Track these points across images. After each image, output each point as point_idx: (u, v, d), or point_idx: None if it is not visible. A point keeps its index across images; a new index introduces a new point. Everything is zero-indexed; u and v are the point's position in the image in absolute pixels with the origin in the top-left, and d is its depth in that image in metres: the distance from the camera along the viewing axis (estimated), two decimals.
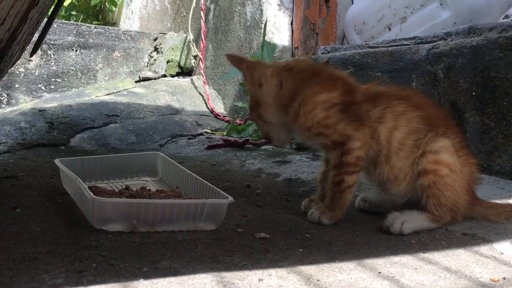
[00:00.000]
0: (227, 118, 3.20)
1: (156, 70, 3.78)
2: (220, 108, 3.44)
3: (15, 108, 3.08)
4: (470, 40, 1.83)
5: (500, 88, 1.71)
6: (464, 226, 1.30)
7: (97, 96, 3.27)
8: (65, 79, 3.41)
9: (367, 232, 1.23)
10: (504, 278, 0.96)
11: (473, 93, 1.79)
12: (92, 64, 3.54)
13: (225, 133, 2.83)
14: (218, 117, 3.23)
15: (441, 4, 2.56)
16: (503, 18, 2.61)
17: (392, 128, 1.26)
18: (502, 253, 1.11)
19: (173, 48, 3.80)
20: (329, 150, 1.29)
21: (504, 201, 1.46)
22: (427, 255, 1.08)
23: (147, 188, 1.39)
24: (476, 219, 1.35)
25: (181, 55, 3.82)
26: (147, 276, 0.86)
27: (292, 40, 3.11)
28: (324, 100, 1.27)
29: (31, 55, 2.20)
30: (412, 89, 1.93)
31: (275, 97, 1.33)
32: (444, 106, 1.88)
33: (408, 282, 0.91)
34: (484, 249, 1.14)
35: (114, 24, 5.28)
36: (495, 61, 1.72)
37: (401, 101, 1.29)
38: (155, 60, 3.82)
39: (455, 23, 2.45)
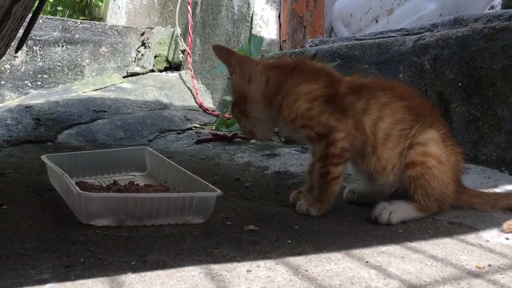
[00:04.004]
0: (216, 113, 3.19)
1: (144, 65, 3.76)
2: (209, 102, 3.44)
3: (1, 105, 3.05)
4: (456, 31, 1.84)
5: (485, 78, 1.72)
6: (451, 215, 1.31)
7: (84, 92, 3.25)
8: (52, 75, 3.38)
9: (355, 222, 1.24)
10: (489, 265, 0.97)
11: (459, 84, 1.81)
12: (79, 59, 3.51)
13: (214, 128, 2.83)
14: (207, 111, 3.22)
15: None
16: (488, 9, 2.63)
17: (376, 119, 1.27)
18: (487, 241, 1.13)
19: (160, 43, 3.78)
20: (314, 142, 1.30)
21: (490, 190, 1.48)
22: (414, 244, 1.09)
23: (135, 182, 1.38)
24: (463, 208, 1.36)
25: (169, 50, 3.80)
26: (135, 269, 0.86)
27: (280, 33, 3.11)
28: (306, 91, 1.27)
29: (17, 51, 2.17)
30: (396, 80, 1.94)
31: (263, 93, 1.32)
32: (430, 97, 1.90)
33: (395, 271, 0.92)
34: (470, 237, 1.15)
35: (101, 19, 5.24)
36: (481, 52, 1.73)
37: (385, 92, 1.29)
38: (142, 55, 3.80)
39: (441, 14, 2.47)
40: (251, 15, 2.97)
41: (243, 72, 1.34)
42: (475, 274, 0.92)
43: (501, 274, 0.92)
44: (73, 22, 3.54)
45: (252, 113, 1.35)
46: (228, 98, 3.03)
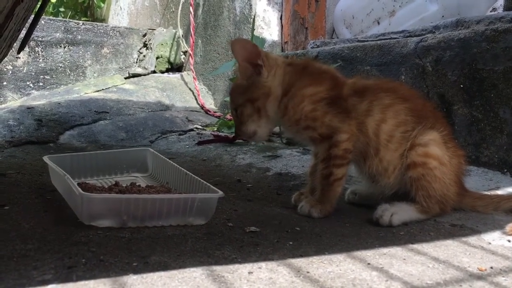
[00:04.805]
0: (217, 114, 3.19)
1: (146, 66, 3.76)
2: (210, 103, 3.44)
3: (3, 106, 3.05)
4: (458, 33, 1.84)
5: (487, 80, 1.72)
6: (452, 217, 1.31)
7: (86, 93, 3.25)
8: (54, 76, 3.39)
9: (356, 224, 1.24)
10: (491, 267, 0.97)
11: (461, 86, 1.80)
12: (81, 60, 3.51)
13: (215, 129, 2.83)
14: (208, 112, 3.22)
15: None
16: (490, 11, 2.63)
17: (379, 120, 1.27)
18: (489, 243, 1.13)
19: (162, 44, 3.79)
20: (317, 144, 1.30)
21: (492, 192, 1.48)
22: (416, 246, 1.09)
23: (137, 184, 1.38)
24: (465, 210, 1.36)
25: (170, 51, 3.81)
26: (137, 271, 0.86)
27: (281, 34, 3.11)
28: (311, 93, 1.28)
29: (19, 52, 2.18)
30: (399, 82, 1.94)
31: (282, 87, 1.32)
32: (432, 99, 1.89)
33: (396, 273, 0.92)
34: (472, 239, 1.15)
35: (103, 20, 5.25)
36: (482, 54, 1.73)
37: (388, 94, 1.30)
38: (144, 56, 3.80)
39: (443, 16, 2.47)
40: (253, 17, 2.97)
41: (270, 66, 1.32)
42: (477, 276, 0.92)
43: (503, 277, 0.92)
44: (75, 23, 3.54)
45: (269, 111, 1.32)
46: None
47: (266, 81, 1.31)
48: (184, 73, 3.76)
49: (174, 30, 3.86)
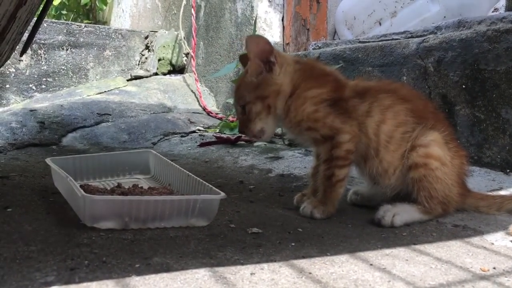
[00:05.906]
0: (219, 116, 3.19)
1: (148, 68, 3.77)
2: (212, 105, 3.44)
3: (6, 108, 3.06)
4: (460, 33, 1.84)
5: (489, 80, 1.72)
6: (455, 217, 1.31)
7: (88, 95, 3.26)
8: (56, 78, 3.40)
9: (359, 225, 1.24)
10: (494, 268, 0.97)
11: (463, 86, 1.80)
12: (83, 63, 3.52)
13: (217, 130, 2.83)
14: (210, 114, 3.23)
15: None
16: (492, 11, 2.63)
17: (379, 121, 1.27)
18: (492, 244, 1.12)
19: (164, 46, 3.79)
20: (319, 145, 1.30)
21: (495, 193, 1.48)
22: (418, 246, 1.08)
23: (139, 185, 1.38)
24: (468, 210, 1.36)
25: (172, 53, 3.81)
26: (140, 272, 0.86)
27: (283, 36, 3.11)
28: (313, 95, 1.28)
29: (21, 55, 2.18)
30: (401, 83, 1.94)
31: (291, 86, 1.31)
32: (434, 100, 1.89)
33: (399, 273, 0.92)
34: (475, 240, 1.15)
35: (105, 22, 5.26)
36: (484, 54, 1.73)
37: (388, 94, 1.30)
38: (146, 58, 3.81)
39: (445, 17, 2.47)
40: (254, 18, 2.97)
41: (281, 64, 1.31)
42: (480, 277, 0.92)
43: (506, 277, 0.92)
44: (78, 25, 3.55)
45: (278, 109, 1.31)
46: (232, 101, 3.02)
47: (278, 78, 1.30)
48: (186, 75, 3.76)
49: (176, 32, 3.87)
